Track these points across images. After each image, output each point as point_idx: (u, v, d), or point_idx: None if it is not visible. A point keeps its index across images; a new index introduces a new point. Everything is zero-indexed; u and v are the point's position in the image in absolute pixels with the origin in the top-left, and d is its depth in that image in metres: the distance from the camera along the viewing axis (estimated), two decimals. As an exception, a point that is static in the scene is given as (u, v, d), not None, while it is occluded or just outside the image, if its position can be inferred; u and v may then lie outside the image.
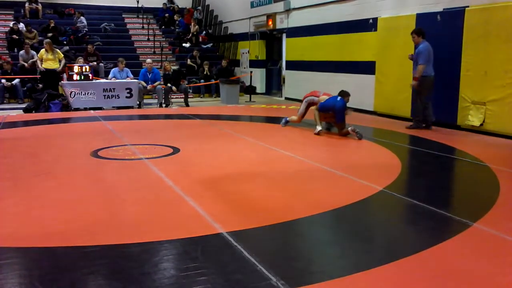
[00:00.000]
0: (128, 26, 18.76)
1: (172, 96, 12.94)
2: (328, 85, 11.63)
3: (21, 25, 15.31)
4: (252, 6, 16.20)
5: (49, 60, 11.84)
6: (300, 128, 8.54)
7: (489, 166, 5.62)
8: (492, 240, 3.40)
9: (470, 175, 5.58)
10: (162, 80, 12.88)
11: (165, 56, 16.31)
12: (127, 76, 12.41)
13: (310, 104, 8.44)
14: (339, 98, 7.80)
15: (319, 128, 7.85)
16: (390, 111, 9.94)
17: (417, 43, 8.33)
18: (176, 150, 6.46)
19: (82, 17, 16.60)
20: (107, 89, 11.77)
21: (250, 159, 6.09)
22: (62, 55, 12.36)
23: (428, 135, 7.88)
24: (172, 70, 13.10)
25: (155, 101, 12.91)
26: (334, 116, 7.73)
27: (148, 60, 13.10)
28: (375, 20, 10.36)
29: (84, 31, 16.39)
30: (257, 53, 16.12)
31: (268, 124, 9.63)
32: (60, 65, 12.07)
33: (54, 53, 11.95)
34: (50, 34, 15.15)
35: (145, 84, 12.44)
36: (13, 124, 9.10)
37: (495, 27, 7.67)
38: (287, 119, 8.78)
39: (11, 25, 15.24)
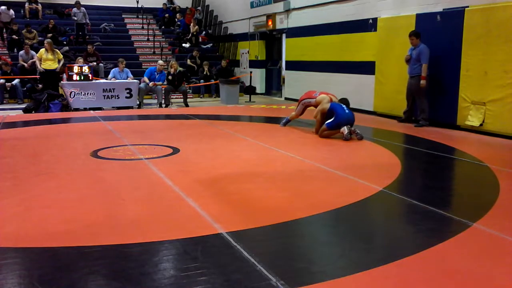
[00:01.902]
0: (128, 26, 18.77)
1: (172, 96, 12.94)
2: (327, 85, 11.64)
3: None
4: (252, 6, 16.21)
5: (48, 60, 11.83)
6: (300, 128, 8.54)
7: (489, 166, 5.62)
8: (492, 240, 3.40)
9: (470, 175, 5.58)
10: (165, 81, 12.90)
11: (165, 56, 16.31)
12: (127, 77, 12.42)
13: (307, 106, 8.42)
14: (346, 109, 7.51)
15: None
16: (390, 111, 9.94)
17: (416, 45, 8.72)
18: (176, 150, 6.46)
19: (82, 8, 16.33)
20: (107, 89, 11.79)
21: (250, 159, 6.09)
22: (62, 56, 12.35)
23: (428, 135, 7.89)
24: (178, 71, 13.10)
25: (155, 101, 12.92)
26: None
27: (160, 62, 13.15)
28: (375, 20, 10.36)
29: (87, 22, 16.23)
30: (257, 53, 16.12)
31: (268, 124, 9.62)
32: (59, 65, 12.06)
33: (54, 53, 11.95)
34: (50, 35, 15.15)
35: (147, 81, 12.46)
36: (13, 124, 9.10)
37: (495, 27, 7.68)
38: (288, 118, 8.78)
39: None
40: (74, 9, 16.33)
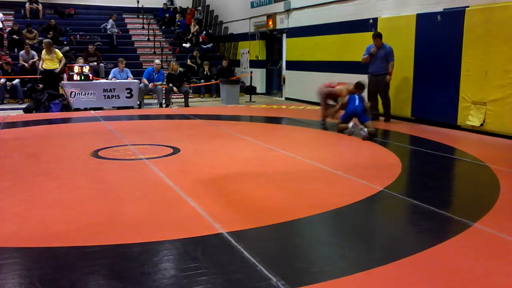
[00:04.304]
0: (129, 26, 18.76)
1: (172, 96, 12.94)
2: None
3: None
4: (252, 6, 16.21)
5: (47, 60, 11.78)
6: (300, 128, 8.54)
7: (489, 166, 5.62)
8: (492, 240, 3.40)
9: (470, 175, 5.58)
10: (165, 80, 12.90)
11: (165, 56, 16.32)
12: (128, 77, 12.41)
13: (328, 95, 8.55)
14: (357, 102, 7.76)
15: (351, 125, 7.79)
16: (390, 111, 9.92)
17: (379, 45, 9.34)
18: (176, 150, 6.46)
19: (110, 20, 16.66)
20: (107, 89, 11.78)
21: (250, 159, 6.09)
22: (61, 55, 12.15)
23: (428, 135, 7.89)
24: (178, 71, 13.12)
25: (156, 101, 12.92)
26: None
27: (157, 61, 13.11)
28: (375, 20, 10.36)
29: (115, 33, 16.49)
30: (257, 53, 16.12)
31: (268, 124, 9.62)
32: (59, 65, 11.95)
33: (52, 53, 11.83)
34: (50, 34, 15.15)
35: (147, 82, 12.45)
36: (13, 124, 9.10)
37: (495, 27, 7.67)
38: (324, 118, 8.88)
39: None
40: (111, 21, 16.43)
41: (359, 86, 8.08)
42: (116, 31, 16.69)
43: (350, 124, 7.54)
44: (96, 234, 3.44)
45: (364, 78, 10.68)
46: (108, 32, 16.47)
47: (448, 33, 8.52)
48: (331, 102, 8.75)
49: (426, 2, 9.18)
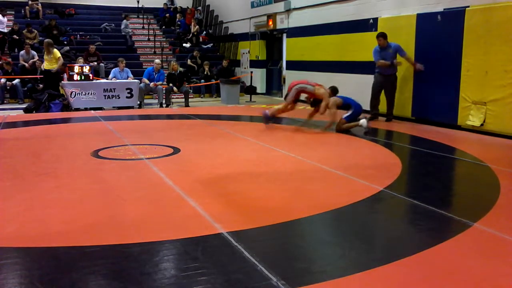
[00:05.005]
0: (129, 26, 18.76)
1: (172, 96, 12.95)
2: (328, 85, 11.63)
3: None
4: (252, 6, 16.22)
5: (46, 60, 11.75)
6: (300, 128, 8.54)
7: (489, 166, 5.62)
8: (492, 240, 3.40)
9: (470, 175, 5.57)
10: (165, 80, 12.91)
11: (165, 56, 16.33)
12: (128, 76, 12.41)
13: (300, 91, 8.48)
14: (354, 100, 8.22)
15: (364, 122, 7.93)
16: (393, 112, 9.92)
17: (384, 45, 9.22)
18: (176, 150, 6.46)
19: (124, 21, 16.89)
20: (107, 89, 11.79)
21: (250, 159, 6.09)
22: (59, 55, 11.86)
23: (428, 135, 7.88)
24: (178, 71, 13.13)
25: (156, 101, 12.93)
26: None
27: (157, 61, 13.11)
28: (375, 20, 10.36)
29: (130, 33, 16.70)
30: (258, 53, 16.12)
31: (268, 124, 9.59)
32: (57, 65, 11.83)
33: (50, 54, 11.73)
34: (53, 33, 15.17)
35: (147, 82, 12.45)
36: (13, 124, 9.10)
37: (496, 27, 7.67)
38: (267, 114, 8.68)
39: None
40: (125, 21, 16.57)
41: (335, 91, 8.48)
42: (131, 31, 16.78)
43: (365, 123, 7.74)
44: (96, 234, 3.44)
45: (365, 78, 10.72)
46: (122, 32, 16.59)
47: (448, 33, 8.51)
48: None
49: (426, 2, 9.18)
